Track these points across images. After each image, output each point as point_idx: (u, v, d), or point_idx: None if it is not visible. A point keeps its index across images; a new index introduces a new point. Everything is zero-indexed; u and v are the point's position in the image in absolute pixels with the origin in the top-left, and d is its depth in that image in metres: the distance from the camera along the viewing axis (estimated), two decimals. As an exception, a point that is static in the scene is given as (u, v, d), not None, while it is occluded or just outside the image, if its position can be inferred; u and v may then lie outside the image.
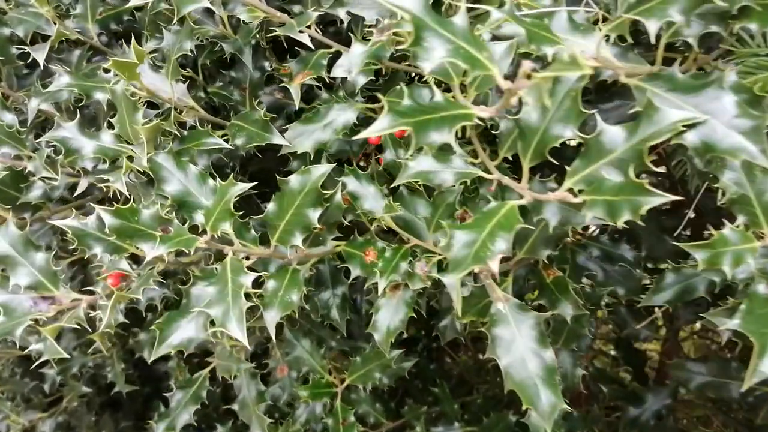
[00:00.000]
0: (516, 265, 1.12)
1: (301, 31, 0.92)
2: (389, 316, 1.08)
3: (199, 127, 1.04)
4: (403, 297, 1.08)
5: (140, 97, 1.03)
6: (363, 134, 0.63)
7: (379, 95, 1.06)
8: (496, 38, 0.93)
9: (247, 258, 1.01)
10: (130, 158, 0.99)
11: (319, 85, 1.16)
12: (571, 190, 0.78)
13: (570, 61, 0.57)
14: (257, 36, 1.13)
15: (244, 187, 0.89)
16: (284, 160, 1.21)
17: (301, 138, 1.06)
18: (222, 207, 0.89)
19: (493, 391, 2.04)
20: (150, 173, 0.94)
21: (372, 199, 1.08)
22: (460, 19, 0.64)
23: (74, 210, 1.12)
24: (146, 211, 0.88)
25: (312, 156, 1.07)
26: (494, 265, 0.73)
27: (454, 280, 0.72)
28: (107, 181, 0.95)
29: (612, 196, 0.68)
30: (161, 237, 0.84)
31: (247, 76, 1.21)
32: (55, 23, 1.12)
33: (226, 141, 1.08)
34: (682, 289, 1.09)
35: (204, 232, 0.96)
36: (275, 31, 1.04)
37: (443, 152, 0.95)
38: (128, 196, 0.92)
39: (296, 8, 1.19)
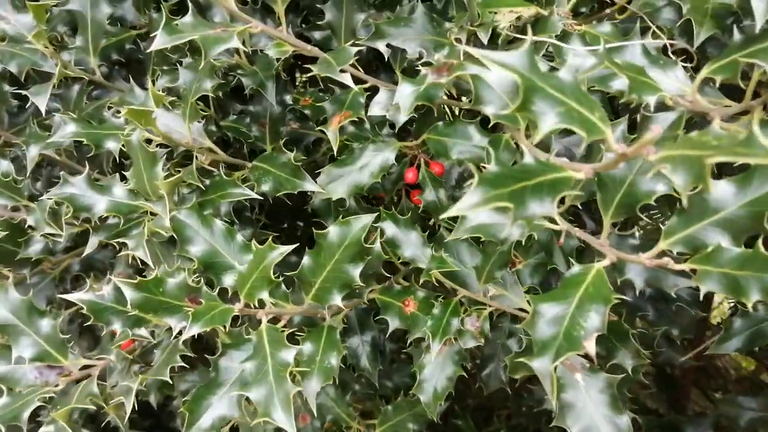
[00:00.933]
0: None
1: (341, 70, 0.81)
2: (436, 375, 0.98)
3: (223, 175, 0.93)
4: (451, 353, 0.98)
5: (155, 144, 0.92)
6: (452, 211, 0.53)
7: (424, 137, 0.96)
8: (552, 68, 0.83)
9: (278, 319, 0.91)
10: (144, 213, 0.88)
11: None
12: (665, 253, 0.69)
13: (699, 139, 0.47)
14: (277, 68, 1.03)
15: (284, 251, 0.79)
16: (303, 194, 1.11)
17: (335, 183, 0.96)
18: (259, 273, 0.78)
19: (518, 421, 1.94)
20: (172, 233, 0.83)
21: (414, 247, 0.98)
22: (567, 74, 0.54)
23: (88, 280, 1.01)
24: (172, 281, 0.77)
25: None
26: (591, 347, 0.63)
27: (546, 366, 0.62)
28: (123, 244, 0.84)
29: (734, 269, 0.59)
30: (194, 313, 0.73)
31: (267, 110, 1.10)
32: (53, 59, 1.01)
33: (244, 182, 0.98)
34: (753, 334, 1.00)
35: (235, 295, 0.85)
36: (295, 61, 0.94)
37: (502, 201, 0.85)
38: (151, 265, 0.81)
39: (317, 34, 1.08)
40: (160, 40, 0.75)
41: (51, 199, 0.88)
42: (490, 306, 0.97)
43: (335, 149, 0.91)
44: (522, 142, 0.78)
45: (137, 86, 1.03)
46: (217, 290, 0.85)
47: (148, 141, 0.90)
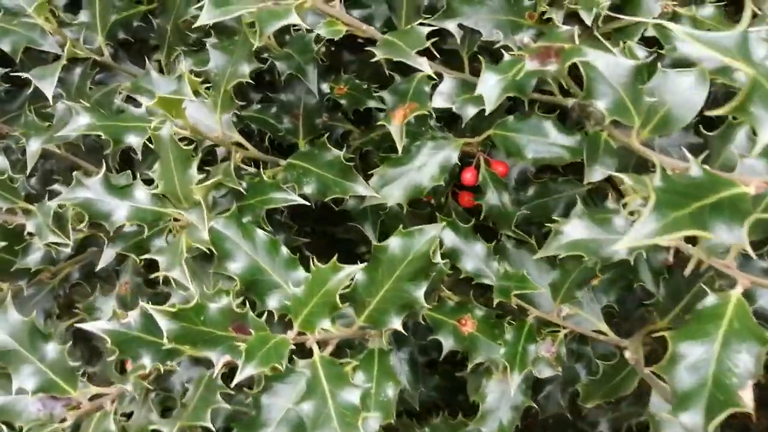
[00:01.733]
0: (647, 335, 0.91)
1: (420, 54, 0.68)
2: (502, 405, 0.86)
3: (264, 177, 0.79)
4: (517, 381, 0.86)
5: (179, 137, 0.78)
6: (625, 242, 0.41)
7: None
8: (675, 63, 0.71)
9: (325, 343, 0.78)
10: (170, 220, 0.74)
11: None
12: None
13: None
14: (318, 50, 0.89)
15: (351, 271, 0.66)
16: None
17: (390, 187, 0.83)
18: (320, 299, 0.65)
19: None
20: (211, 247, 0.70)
21: (477, 260, 0.86)
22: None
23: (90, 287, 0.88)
24: (214, 307, 0.64)
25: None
26: (747, 397, 0.52)
27: (698, 424, 0.51)
28: (152, 261, 0.70)
29: None
30: (247, 349, 0.60)
31: (300, 99, 0.97)
32: (56, 37, 0.86)
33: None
34: None
35: (282, 320, 0.73)
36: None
37: (599, 210, 0.73)
38: (191, 289, 0.67)
39: (356, 13, 0.94)
40: (209, 14, 0.61)
41: (58, 203, 0.74)
42: (564, 328, 0.85)
43: (400, 148, 0.78)
44: (634, 144, 0.66)
45: (152, 68, 0.89)
46: (259, 313, 0.72)
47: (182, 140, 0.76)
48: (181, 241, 0.68)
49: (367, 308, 0.77)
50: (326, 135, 0.89)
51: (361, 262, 1.26)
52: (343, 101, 0.99)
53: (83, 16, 0.91)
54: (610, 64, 0.61)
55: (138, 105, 0.89)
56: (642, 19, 0.71)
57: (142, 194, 0.75)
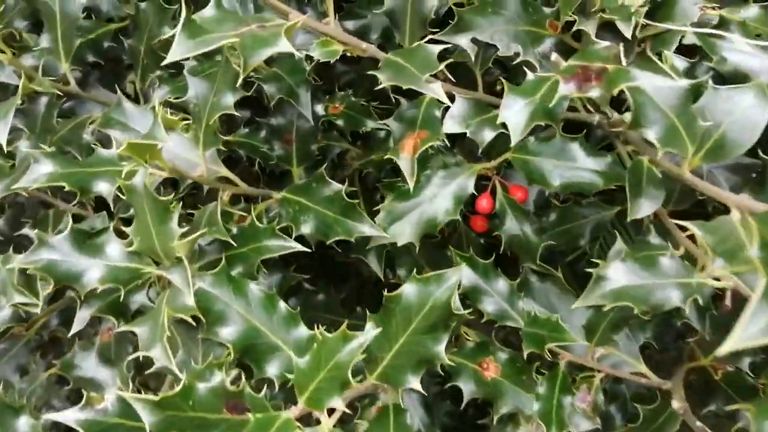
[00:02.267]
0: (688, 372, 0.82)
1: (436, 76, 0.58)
2: (534, 460, 0.77)
3: (256, 222, 0.69)
4: (550, 430, 0.77)
5: (155, 177, 0.68)
6: (728, 346, 0.31)
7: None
8: (719, 76, 0.62)
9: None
10: (150, 281, 0.65)
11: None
12: None
13: None
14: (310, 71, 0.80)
15: (365, 341, 0.56)
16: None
17: (400, 223, 0.73)
18: (328, 373, 0.56)
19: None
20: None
21: (500, 299, 0.76)
22: None
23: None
24: (204, 387, 0.54)
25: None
26: None
27: None
28: (130, 332, 0.61)
29: None
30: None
31: (293, 123, 0.87)
32: (12, 67, 0.75)
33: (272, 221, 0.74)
34: None
35: (284, 389, 0.63)
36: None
37: (641, 247, 0.64)
38: (177, 374, 0.57)
39: (350, 25, 0.84)
40: (181, 47, 0.51)
41: (18, 266, 0.64)
42: (599, 371, 0.76)
43: (411, 184, 0.68)
44: (685, 174, 0.57)
45: (125, 98, 0.79)
46: (257, 381, 0.63)
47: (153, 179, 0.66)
48: (161, 311, 0.58)
49: (379, 365, 0.67)
50: (322, 159, 0.79)
51: (365, 290, 1.15)
52: (339, 122, 0.90)
53: (44, 41, 0.80)
54: (659, 87, 0.52)
55: (109, 140, 0.80)
56: (691, 29, 0.61)
57: (115, 250, 0.65)
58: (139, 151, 0.59)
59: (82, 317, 0.69)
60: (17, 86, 0.83)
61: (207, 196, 0.84)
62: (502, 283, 0.76)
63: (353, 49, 0.68)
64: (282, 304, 0.65)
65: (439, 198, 0.74)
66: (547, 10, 0.69)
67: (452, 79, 0.71)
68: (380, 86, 0.61)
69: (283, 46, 0.54)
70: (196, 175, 0.72)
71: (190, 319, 0.58)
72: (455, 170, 0.75)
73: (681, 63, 0.65)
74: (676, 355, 0.88)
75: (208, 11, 0.56)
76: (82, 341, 0.94)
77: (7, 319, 0.80)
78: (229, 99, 0.68)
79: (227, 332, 0.62)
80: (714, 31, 0.60)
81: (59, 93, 0.82)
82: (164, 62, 0.50)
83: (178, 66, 0.89)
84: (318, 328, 0.60)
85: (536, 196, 0.87)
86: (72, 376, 0.84)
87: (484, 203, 0.82)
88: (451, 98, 0.71)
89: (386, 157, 0.69)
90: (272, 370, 0.64)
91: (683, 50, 0.69)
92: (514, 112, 0.58)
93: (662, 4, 0.68)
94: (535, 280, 0.80)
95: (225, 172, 0.78)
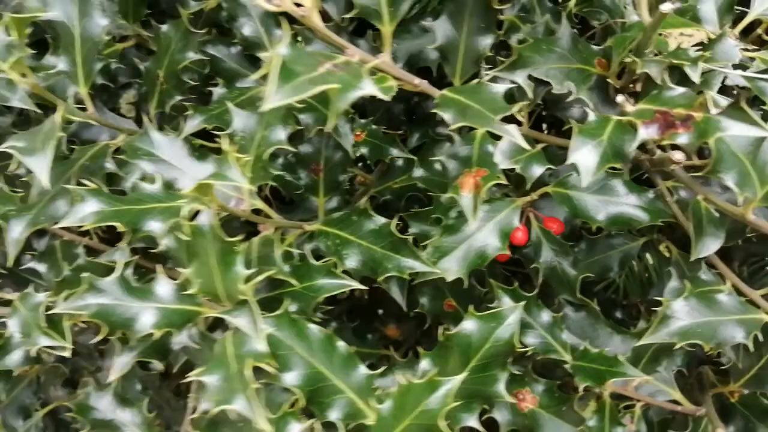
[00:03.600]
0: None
1: (509, 120, 0.57)
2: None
3: (310, 260, 0.67)
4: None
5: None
6: None
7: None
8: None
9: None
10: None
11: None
12: None
13: None
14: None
15: (453, 387, 0.55)
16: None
17: (447, 259, 0.72)
18: (414, 422, 0.54)
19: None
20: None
21: (544, 331, 0.77)
22: None
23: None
24: (285, 439, 0.52)
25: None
26: None
27: None
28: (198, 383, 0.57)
29: None
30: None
31: (320, 152, 0.85)
32: (26, 87, 0.70)
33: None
34: None
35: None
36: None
37: (698, 284, 0.66)
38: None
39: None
40: (279, 94, 0.48)
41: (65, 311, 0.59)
42: (638, 400, 0.77)
43: (473, 221, 0.67)
44: (748, 217, 0.59)
45: (152, 126, 0.75)
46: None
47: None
48: (229, 358, 0.55)
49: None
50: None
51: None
52: (363, 149, 0.88)
53: (61, 64, 0.75)
54: (737, 135, 0.53)
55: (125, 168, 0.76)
56: (739, 72, 0.63)
57: (166, 292, 0.61)
58: (204, 190, 0.56)
59: (123, 362, 0.64)
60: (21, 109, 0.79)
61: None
62: (545, 315, 0.77)
63: (405, 84, 0.67)
64: (340, 344, 0.64)
65: (483, 232, 0.73)
66: (595, 48, 0.70)
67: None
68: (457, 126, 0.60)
69: (369, 88, 0.53)
70: (240, 210, 0.69)
71: (267, 367, 0.55)
72: (499, 204, 0.75)
73: (725, 102, 0.68)
74: (694, 380, 0.91)
75: (284, 48, 0.53)
76: (84, 379, 0.89)
77: (19, 362, 0.74)
78: (281, 134, 0.66)
79: (291, 377, 0.60)
80: (762, 76, 0.62)
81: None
82: (261, 109, 0.47)
83: (196, 91, 0.87)
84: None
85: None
86: (89, 420, 0.79)
87: (519, 235, 0.82)
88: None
89: (448, 195, 0.68)
90: (335, 414, 0.62)
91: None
92: (584, 154, 0.59)
93: (706, 46, 0.71)
94: (570, 311, 0.81)
95: (261, 204, 0.75)
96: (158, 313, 0.60)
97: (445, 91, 0.65)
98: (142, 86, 0.87)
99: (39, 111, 0.75)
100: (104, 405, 0.81)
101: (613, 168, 0.73)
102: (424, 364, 0.67)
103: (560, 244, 0.80)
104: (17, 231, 0.69)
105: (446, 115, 0.61)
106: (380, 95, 0.53)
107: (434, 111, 0.62)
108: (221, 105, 0.76)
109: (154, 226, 0.60)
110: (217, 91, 0.80)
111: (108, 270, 0.75)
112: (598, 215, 0.73)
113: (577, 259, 0.81)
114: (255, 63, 0.87)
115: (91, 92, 0.80)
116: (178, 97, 0.83)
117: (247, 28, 0.83)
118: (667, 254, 0.81)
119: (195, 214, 0.57)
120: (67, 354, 0.67)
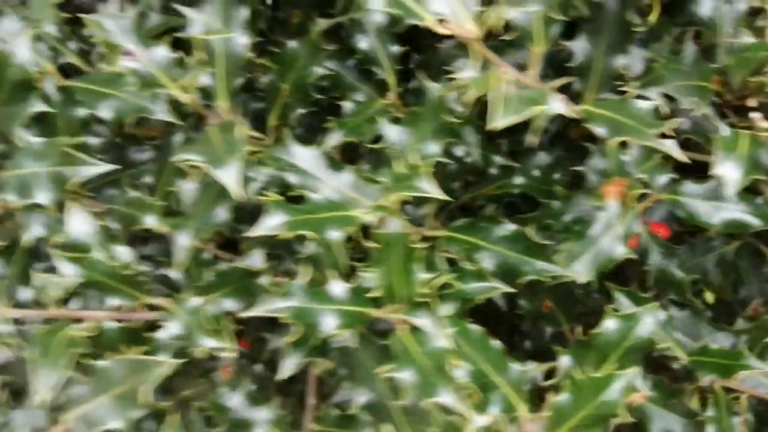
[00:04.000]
0: None
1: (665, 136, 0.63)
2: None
3: (468, 263, 0.72)
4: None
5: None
6: None
7: None
8: None
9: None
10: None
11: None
12: None
13: None
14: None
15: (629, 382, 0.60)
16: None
17: (578, 262, 0.77)
18: (590, 412, 0.59)
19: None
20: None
21: (662, 330, 0.82)
22: None
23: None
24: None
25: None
26: None
27: None
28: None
29: None
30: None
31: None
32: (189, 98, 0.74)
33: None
34: None
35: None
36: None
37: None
38: None
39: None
40: (507, 117, 0.52)
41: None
42: (743, 392, 0.83)
43: (621, 230, 0.72)
44: None
45: (292, 138, 0.79)
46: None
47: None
48: (413, 354, 0.59)
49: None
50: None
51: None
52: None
53: (207, 79, 0.79)
54: None
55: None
56: None
57: (340, 291, 0.65)
58: (393, 201, 0.60)
59: (293, 363, 0.68)
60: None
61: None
62: (659, 315, 0.82)
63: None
64: (495, 342, 0.68)
65: (611, 236, 0.78)
66: (711, 63, 0.76)
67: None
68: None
69: (557, 107, 0.58)
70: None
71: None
72: (623, 210, 0.80)
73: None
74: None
75: (472, 72, 0.58)
76: (203, 379, 0.92)
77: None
78: (434, 147, 0.71)
79: (462, 374, 0.64)
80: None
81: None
82: (488, 127, 0.52)
83: (316, 104, 0.91)
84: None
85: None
86: (227, 419, 0.83)
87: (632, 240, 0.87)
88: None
89: (592, 203, 0.73)
90: (494, 409, 0.66)
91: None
92: (729, 167, 0.64)
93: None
94: (675, 310, 0.87)
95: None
96: (339, 315, 0.64)
97: (588, 107, 0.70)
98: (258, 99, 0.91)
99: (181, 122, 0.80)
100: (236, 404, 0.85)
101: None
102: (565, 360, 0.71)
103: (667, 247, 0.86)
104: (185, 239, 0.72)
105: (599, 129, 0.66)
106: (564, 113, 0.58)
107: (584, 125, 0.67)
108: (356, 118, 0.81)
109: (333, 234, 0.64)
110: (347, 105, 0.84)
111: (248, 274, 0.80)
112: (713, 220, 0.78)
113: (682, 261, 0.87)
114: (368, 77, 0.91)
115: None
116: (300, 111, 0.87)
117: (364, 43, 0.88)
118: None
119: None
120: (233, 354, 0.71)
